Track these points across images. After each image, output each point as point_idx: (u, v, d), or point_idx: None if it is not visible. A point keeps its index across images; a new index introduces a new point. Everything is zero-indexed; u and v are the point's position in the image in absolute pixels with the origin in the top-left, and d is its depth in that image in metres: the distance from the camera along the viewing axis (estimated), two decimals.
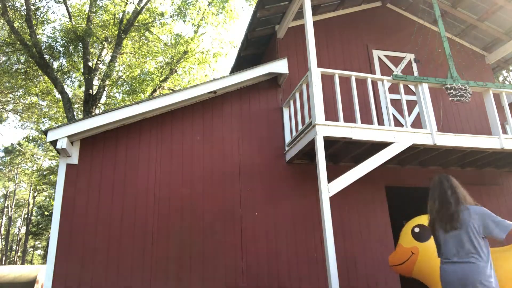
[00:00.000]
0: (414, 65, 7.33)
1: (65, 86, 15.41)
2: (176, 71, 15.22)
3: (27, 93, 15.36)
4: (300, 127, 5.44)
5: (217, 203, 5.49)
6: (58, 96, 15.00)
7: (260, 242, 5.45)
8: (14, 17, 13.22)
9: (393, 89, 6.91)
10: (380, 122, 6.57)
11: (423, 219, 4.30)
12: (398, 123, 6.71)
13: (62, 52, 13.82)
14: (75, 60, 14.27)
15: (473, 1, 7.19)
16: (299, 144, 5.40)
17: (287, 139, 6.04)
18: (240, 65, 8.09)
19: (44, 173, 24.29)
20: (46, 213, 26.00)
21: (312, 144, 5.04)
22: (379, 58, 7.20)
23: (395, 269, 4.33)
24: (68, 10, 13.80)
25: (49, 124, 17.46)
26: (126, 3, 13.92)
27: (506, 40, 7.58)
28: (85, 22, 13.47)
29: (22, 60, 14.48)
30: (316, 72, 5.10)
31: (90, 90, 12.76)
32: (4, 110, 18.83)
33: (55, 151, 15.81)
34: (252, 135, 5.99)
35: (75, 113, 14.80)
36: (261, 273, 5.30)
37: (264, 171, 5.83)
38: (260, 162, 5.87)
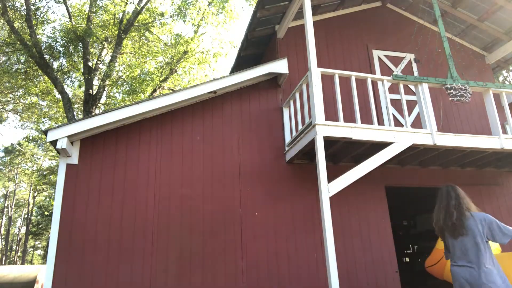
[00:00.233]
0: (414, 65, 7.33)
1: (65, 86, 15.43)
2: (176, 71, 15.22)
3: (27, 93, 15.35)
4: (300, 127, 5.44)
5: (217, 203, 5.49)
6: (58, 96, 15.00)
7: (260, 242, 5.45)
8: (14, 17, 13.22)
9: (393, 89, 6.92)
10: (380, 122, 6.57)
11: None
12: (398, 123, 6.72)
13: (62, 52, 13.82)
14: (75, 60, 14.27)
15: (473, 1, 7.20)
16: (299, 144, 5.40)
17: (287, 139, 6.04)
18: (240, 65, 8.09)
19: (44, 173, 24.31)
20: (46, 213, 26.02)
21: (312, 144, 5.04)
22: (379, 58, 7.20)
23: (429, 270, 4.78)
24: (68, 10, 13.79)
25: (49, 124, 17.47)
26: (126, 3, 13.92)
27: (506, 40, 7.58)
28: (85, 22, 13.47)
29: (22, 60, 14.47)
30: (316, 72, 5.10)
31: (90, 90, 12.76)
32: (4, 110, 18.83)
33: (55, 151, 15.84)
34: (252, 135, 5.99)
35: (75, 113, 14.81)
36: (261, 273, 5.30)
37: (264, 171, 5.83)
38: (260, 162, 5.87)
